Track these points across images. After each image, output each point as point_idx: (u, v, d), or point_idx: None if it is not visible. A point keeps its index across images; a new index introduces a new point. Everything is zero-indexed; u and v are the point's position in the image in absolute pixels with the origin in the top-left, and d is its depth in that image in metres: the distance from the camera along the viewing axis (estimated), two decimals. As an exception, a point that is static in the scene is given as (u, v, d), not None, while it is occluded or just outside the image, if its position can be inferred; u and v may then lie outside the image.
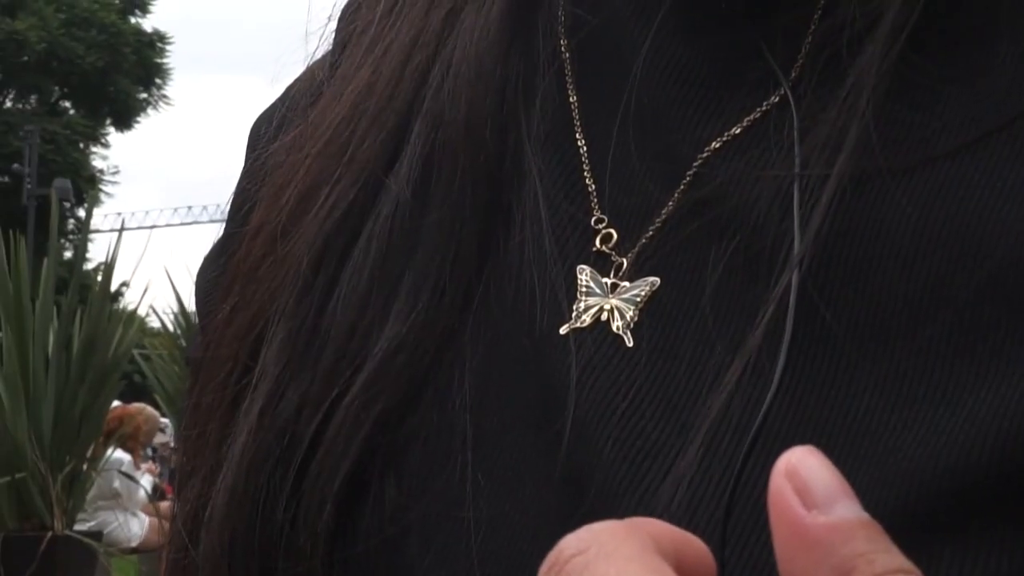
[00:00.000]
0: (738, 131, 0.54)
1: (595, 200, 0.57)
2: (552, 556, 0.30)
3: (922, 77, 0.51)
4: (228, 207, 0.72)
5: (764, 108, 0.54)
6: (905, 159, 0.50)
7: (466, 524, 0.53)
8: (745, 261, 0.51)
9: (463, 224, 0.58)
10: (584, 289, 0.55)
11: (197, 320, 0.71)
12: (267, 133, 0.70)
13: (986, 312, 0.47)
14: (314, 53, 0.70)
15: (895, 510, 0.45)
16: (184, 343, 7.19)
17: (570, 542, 0.30)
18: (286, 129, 0.67)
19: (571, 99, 0.60)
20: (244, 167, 0.70)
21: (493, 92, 0.60)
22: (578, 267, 0.55)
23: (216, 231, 0.71)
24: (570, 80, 0.60)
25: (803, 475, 0.29)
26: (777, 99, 0.54)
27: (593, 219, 0.56)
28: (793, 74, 0.54)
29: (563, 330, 0.54)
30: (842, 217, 0.50)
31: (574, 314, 0.54)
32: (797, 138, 0.52)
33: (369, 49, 0.65)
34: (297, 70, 0.73)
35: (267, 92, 0.75)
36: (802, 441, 0.47)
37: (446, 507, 0.53)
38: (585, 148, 0.58)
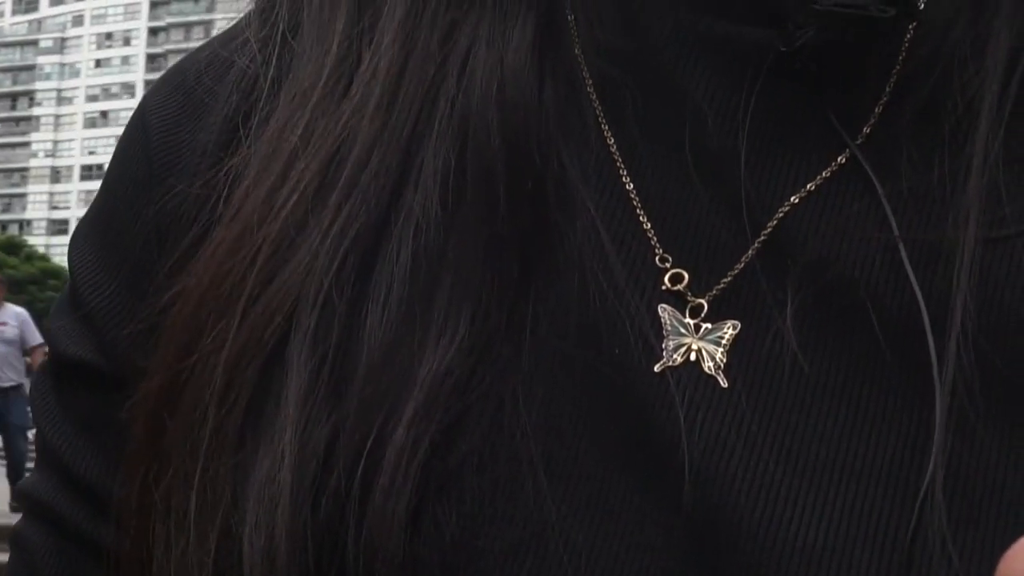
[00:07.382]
0: (812, 188, 0.54)
1: (655, 240, 0.55)
2: None
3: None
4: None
5: (840, 163, 0.55)
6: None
7: (554, 553, 0.49)
8: (851, 317, 0.52)
9: (505, 247, 0.55)
10: (668, 328, 0.53)
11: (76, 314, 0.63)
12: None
13: None
14: None
15: None
16: None
17: None
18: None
19: (606, 135, 0.58)
20: (166, 140, 0.63)
21: (532, 117, 0.57)
22: (659, 306, 0.54)
23: None
24: (602, 116, 0.58)
25: None
26: (845, 160, 0.55)
27: (657, 258, 0.55)
28: (866, 131, 0.55)
29: (657, 367, 0.52)
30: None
31: (664, 352, 0.53)
32: (885, 200, 0.53)
33: (344, 57, 0.60)
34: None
35: None
36: (965, 501, 0.48)
37: (522, 536, 0.50)
38: (633, 187, 0.56)
